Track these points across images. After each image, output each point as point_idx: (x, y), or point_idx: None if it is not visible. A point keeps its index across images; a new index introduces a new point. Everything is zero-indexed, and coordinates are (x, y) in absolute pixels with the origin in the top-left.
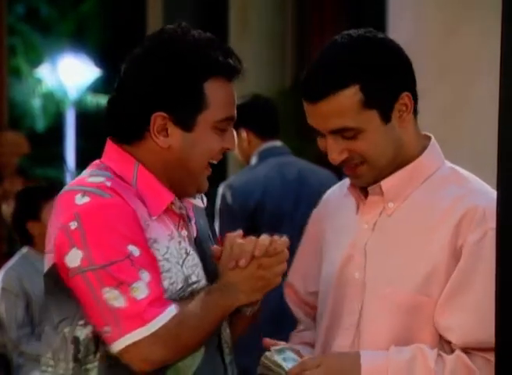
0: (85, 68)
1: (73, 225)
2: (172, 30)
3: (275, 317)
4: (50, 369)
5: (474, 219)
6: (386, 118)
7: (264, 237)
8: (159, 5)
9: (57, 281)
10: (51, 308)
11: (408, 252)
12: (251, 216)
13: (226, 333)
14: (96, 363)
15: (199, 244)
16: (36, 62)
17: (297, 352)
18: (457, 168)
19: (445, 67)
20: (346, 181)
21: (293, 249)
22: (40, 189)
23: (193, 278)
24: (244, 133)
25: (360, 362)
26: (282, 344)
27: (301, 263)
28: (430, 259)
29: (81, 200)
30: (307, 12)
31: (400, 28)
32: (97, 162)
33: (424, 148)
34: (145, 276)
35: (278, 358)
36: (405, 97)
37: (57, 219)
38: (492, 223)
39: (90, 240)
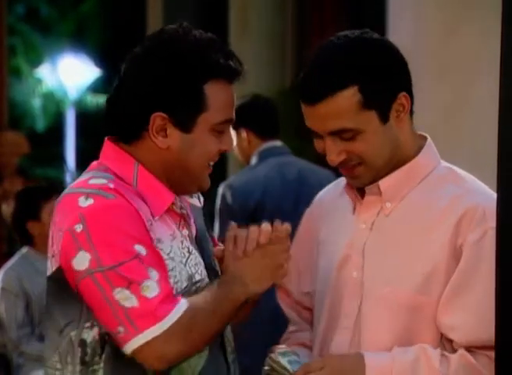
0: (85, 68)
1: (79, 228)
2: (174, 30)
3: (275, 317)
4: (57, 372)
5: (475, 218)
6: (385, 118)
7: (266, 225)
8: (159, 5)
9: (62, 285)
10: (55, 312)
11: (407, 252)
12: (251, 216)
13: (228, 331)
14: (102, 365)
15: (199, 243)
16: (36, 62)
17: (298, 356)
18: (454, 167)
19: (445, 67)
20: (341, 181)
21: None
22: (40, 189)
23: (197, 277)
24: (244, 133)
25: (364, 363)
26: (283, 347)
27: (294, 264)
28: (429, 259)
29: (85, 202)
30: (307, 12)
31: (400, 28)
32: (96, 163)
33: (421, 148)
34: (154, 274)
35: (283, 361)
36: (402, 97)
37: (61, 223)
38: (492, 222)
39: (96, 241)
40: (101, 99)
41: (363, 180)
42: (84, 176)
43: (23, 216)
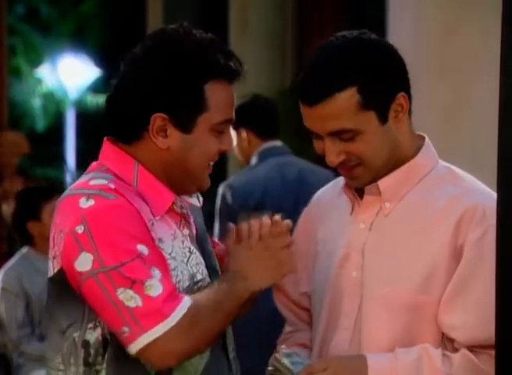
0: (85, 68)
1: (80, 229)
2: (174, 30)
3: (275, 317)
4: (60, 373)
5: (475, 217)
6: (384, 119)
7: (266, 218)
8: (159, 5)
9: (64, 286)
10: (57, 313)
11: (406, 252)
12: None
13: (229, 330)
14: (104, 365)
15: (200, 243)
16: (36, 62)
17: (299, 357)
18: (452, 167)
19: (445, 67)
20: (339, 181)
21: None
22: (40, 189)
23: (199, 276)
24: (244, 133)
25: (366, 363)
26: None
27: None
28: (429, 259)
29: (86, 203)
30: (307, 12)
31: (400, 28)
32: (96, 164)
33: (419, 148)
34: (157, 273)
35: (287, 362)
36: (401, 97)
37: (62, 224)
38: (492, 220)
39: (98, 242)
40: (101, 99)
41: (362, 181)
42: (84, 178)
43: (23, 216)
